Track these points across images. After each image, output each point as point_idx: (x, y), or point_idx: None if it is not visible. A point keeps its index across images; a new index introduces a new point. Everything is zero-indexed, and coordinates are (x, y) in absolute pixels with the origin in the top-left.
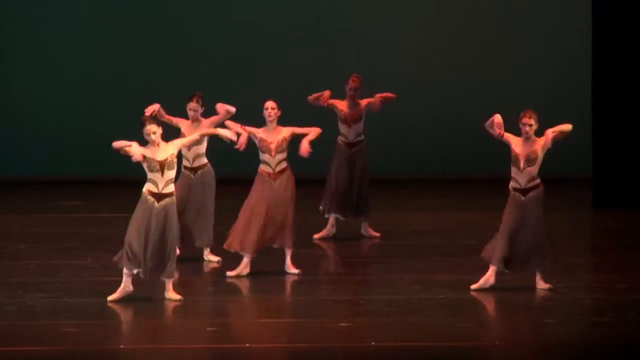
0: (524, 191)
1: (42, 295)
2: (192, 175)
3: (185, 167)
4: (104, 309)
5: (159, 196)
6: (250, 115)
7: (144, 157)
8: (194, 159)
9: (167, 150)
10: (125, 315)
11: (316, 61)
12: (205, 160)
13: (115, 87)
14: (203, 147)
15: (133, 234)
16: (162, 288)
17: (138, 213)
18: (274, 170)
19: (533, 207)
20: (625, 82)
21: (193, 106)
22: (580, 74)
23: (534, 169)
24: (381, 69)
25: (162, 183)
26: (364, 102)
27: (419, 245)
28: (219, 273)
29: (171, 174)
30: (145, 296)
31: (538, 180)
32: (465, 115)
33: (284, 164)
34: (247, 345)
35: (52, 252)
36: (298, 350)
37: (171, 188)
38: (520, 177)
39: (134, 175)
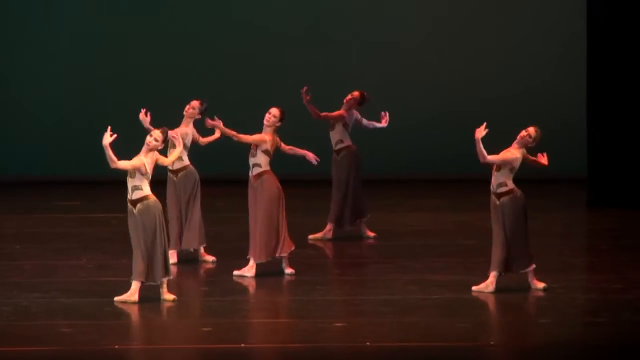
0: (496, 195)
1: (38, 295)
2: (174, 178)
3: (169, 170)
4: (99, 309)
5: (130, 202)
6: (250, 115)
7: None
8: (174, 161)
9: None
10: (120, 315)
11: (316, 61)
12: (185, 162)
13: (115, 87)
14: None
15: (134, 246)
16: (157, 289)
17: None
18: (251, 173)
19: (508, 214)
20: (621, 83)
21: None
22: (576, 74)
23: (500, 174)
24: (381, 69)
25: (129, 189)
26: (339, 112)
27: (415, 245)
28: (213, 273)
29: (132, 181)
30: (141, 297)
31: (508, 188)
32: (463, 115)
33: (258, 169)
34: (242, 345)
35: (48, 253)
36: (293, 351)
37: (140, 194)
38: (493, 179)
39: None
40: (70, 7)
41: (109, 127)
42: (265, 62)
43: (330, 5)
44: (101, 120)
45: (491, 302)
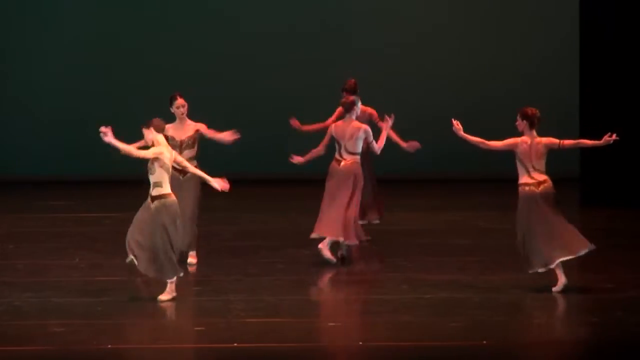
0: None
1: (30, 295)
2: (180, 177)
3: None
4: (92, 309)
5: (150, 197)
6: (249, 115)
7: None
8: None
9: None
10: (113, 315)
11: (315, 61)
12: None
13: (113, 87)
14: (193, 152)
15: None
16: (151, 288)
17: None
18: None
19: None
20: (612, 82)
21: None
22: (568, 74)
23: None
24: (379, 69)
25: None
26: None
27: (408, 245)
28: (206, 273)
29: (152, 177)
30: (135, 296)
31: (519, 181)
32: (456, 114)
33: None
34: (235, 344)
35: (41, 252)
36: (286, 350)
37: (158, 192)
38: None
39: (123, 175)
40: (71, 8)
41: (102, 128)
42: (264, 62)
43: (331, 5)
44: (97, 120)
45: (484, 301)
